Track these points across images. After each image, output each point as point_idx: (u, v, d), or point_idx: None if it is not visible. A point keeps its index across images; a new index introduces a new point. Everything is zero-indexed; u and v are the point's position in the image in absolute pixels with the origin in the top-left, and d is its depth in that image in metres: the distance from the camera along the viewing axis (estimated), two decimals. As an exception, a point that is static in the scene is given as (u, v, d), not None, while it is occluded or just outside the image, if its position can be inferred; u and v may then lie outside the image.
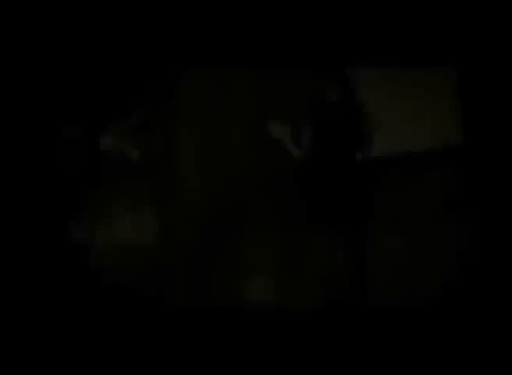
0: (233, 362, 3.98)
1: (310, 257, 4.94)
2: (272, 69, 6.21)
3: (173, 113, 6.16)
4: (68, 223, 6.05)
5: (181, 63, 5.58)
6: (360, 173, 4.87)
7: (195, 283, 5.68)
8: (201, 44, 4.87)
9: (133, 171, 6.25)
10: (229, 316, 4.44)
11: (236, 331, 4.25)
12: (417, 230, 4.93)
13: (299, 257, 5.35)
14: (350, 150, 4.85)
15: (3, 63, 5.05)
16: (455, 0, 4.58)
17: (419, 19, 4.63)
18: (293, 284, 5.28)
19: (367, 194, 4.89)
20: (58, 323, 4.55)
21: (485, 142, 4.72)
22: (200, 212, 6.04)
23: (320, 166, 4.84)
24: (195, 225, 5.99)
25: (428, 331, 4.06)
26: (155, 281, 5.72)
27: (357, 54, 4.81)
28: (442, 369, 3.83)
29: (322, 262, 4.81)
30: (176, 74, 6.10)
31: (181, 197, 6.08)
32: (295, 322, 4.29)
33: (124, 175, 6.17)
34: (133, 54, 4.96)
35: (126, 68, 5.99)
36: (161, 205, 6.16)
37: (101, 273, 5.79)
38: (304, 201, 4.95)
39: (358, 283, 4.80)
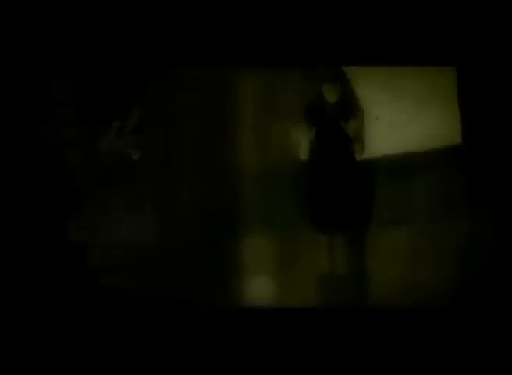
0: (233, 362, 3.98)
1: (310, 257, 4.95)
2: (272, 69, 6.22)
3: (173, 113, 6.17)
4: (68, 223, 6.06)
5: (180, 63, 5.58)
6: (360, 173, 4.87)
7: (195, 284, 5.68)
8: (201, 44, 4.87)
9: (133, 171, 6.25)
10: (229, 316, 4.44)
11: (235, 331, 4.25)
12: (418, 230, 4.94)
13: (299, 257, 5.35)
14: (349, 150, 4.86)
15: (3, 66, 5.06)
16: (455, 0, 4.58)
17: (419, 19, 4.63)
18: (293, 284, 5.28)
19: (367, 194, 4.89)
20: (57, 323, 4.55)
21: (485, 142, 4.73)
22: (200, 212, 6.04)
23: (320, 166, 4.85)
24: (195, 225, 6.00)
25: (428, 331, 4.07)
26: (155, 281, 5.72)
27: (356, 54, 4.81)
28: (442, 369, 3.84)
29: (322, 262, 4.82)
30: (176, 74, 6.11)
31: (181, 197, 6.08)
32: (295, 322, 4.29)
33: (124, 175, 6.18)
34: (133, 54, 4.96)
35: (125, 68, 5.99)
36: (161, 205, 6.16)
37: (101, 273, 5.79)
38: (305, 201, 4.95)
39: (358, 283, 4.81)
